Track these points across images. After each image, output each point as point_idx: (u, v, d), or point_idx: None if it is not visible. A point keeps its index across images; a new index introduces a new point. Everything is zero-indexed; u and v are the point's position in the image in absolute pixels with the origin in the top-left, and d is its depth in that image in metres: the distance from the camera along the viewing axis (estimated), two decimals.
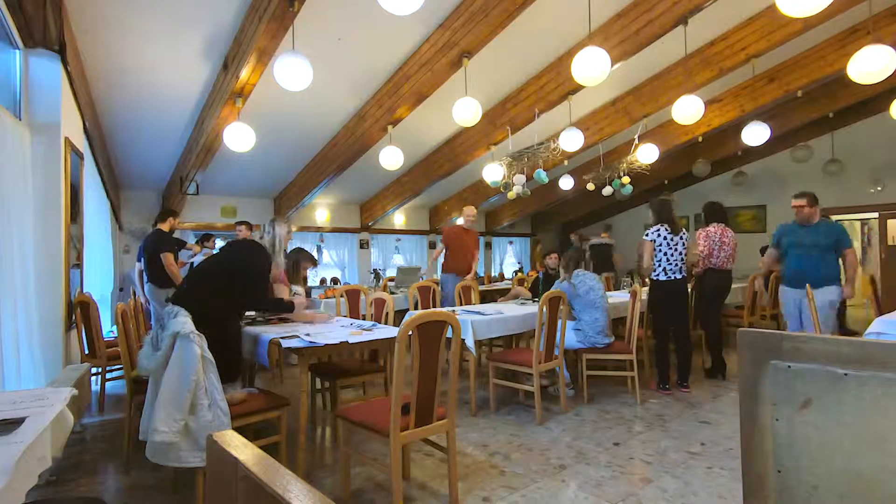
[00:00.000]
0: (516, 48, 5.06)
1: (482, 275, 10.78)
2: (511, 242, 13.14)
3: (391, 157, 5.53)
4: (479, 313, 3.86)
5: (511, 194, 6.95)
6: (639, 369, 4.06)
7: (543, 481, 2.60)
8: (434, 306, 5.16)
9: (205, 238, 6.37)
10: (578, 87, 5.31)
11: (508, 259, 13.01)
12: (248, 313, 3.43)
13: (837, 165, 8.77)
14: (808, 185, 9.23)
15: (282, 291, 3.44)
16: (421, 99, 5.23)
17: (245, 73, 4.16)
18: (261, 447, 0.75)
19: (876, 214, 8.99)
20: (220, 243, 6.40)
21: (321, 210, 9.49)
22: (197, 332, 2.32)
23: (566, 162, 7.50)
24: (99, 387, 4.08)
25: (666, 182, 10.77)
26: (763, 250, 7.60)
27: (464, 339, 3.53)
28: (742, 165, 10.01)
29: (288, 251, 3.32)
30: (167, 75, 4.70)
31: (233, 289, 2.77)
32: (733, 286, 6.60)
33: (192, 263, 5.57)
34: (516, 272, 10.49)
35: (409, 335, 2.16)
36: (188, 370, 2.22)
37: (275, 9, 3.49)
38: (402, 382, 2.16)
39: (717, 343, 4.66)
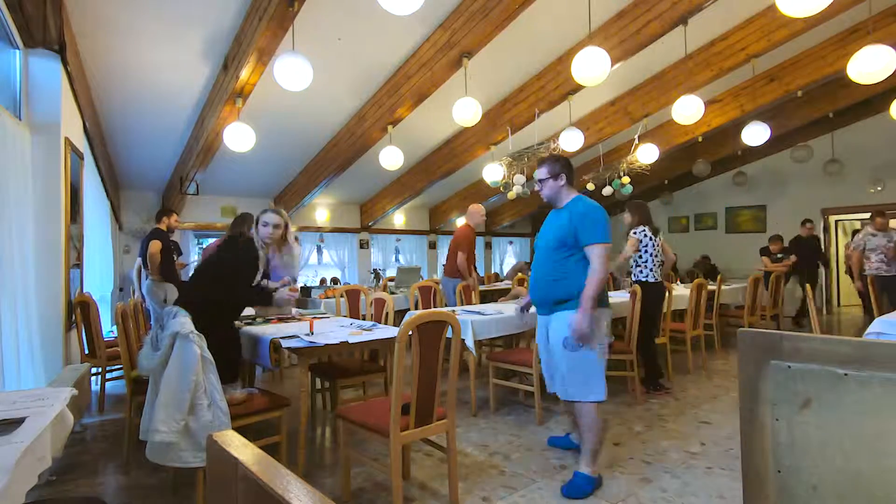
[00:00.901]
0: (516, 48, 5.06)
1: (483, 274, 10.78)
2: (511, 242, 13.14)
3: (391, 157, 5.53)
4: (479, 313, 3.86)
5: (511, 194, 6.95)
6: (639, 369, 4.06)
7: (543, 481, 2.59)
8: (435, 306, 5.16)
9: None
10: (578, 87, 5.31)
11: (508, 259, 13.01)
12: (245, 312, 3.43)
13: (837, 165, 8.77)
14: (808, 185, 9.33)
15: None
16: (421, 99, 5.23)
17: (245, 74, 4.16)
18: (261, 447, 0.75)
19: None
20: None
21: (321, 210, 9.49)
22: (196, 332, 2.32)
23: None
24: (99, 387, 4.08)
25: (666, 182, 10.77)
26: (763, 251, 7.60)
27: (464, 339, 3.53)
28: (742, 165, 10.02)
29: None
30: (167, 75, 4.70)
31: (216, 288, 2.69)
32: (734, 286, 6.64)
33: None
34: (518, 269, 10.45)
35: (409, 335, 2.16)
36: (188, 370, 2.22)
37: (275, 9, 3.49)
38: (402, 382, 2.16)
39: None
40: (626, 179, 7.46)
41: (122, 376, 3.57)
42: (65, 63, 3.29)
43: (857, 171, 8.82)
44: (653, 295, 4.23)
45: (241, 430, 1.09)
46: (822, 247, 8.06)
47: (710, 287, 5.77)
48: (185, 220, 7.95)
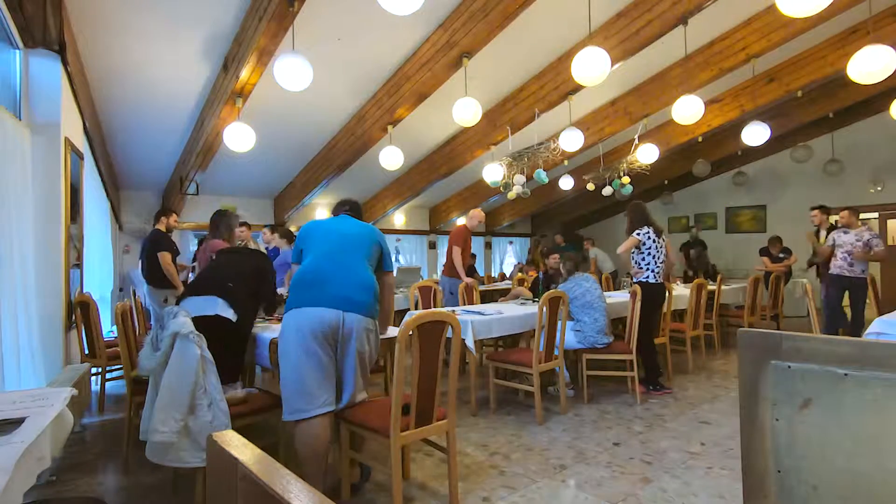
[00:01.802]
0: (516, 48, 5.06)
1: (483, 275, 10.78)
2: (511, 242, 13.14)
3: (391, 157, 5.53)
4: (479, 313, 3.86)
5: (511, 194, 6.95)
6: (639, 369, 4.06)
7: (543, 481, 2.59)
8: (434, 306, 5.16)
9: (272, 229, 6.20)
10: (578, 87, 5.31)
11: (508, 259, 13.01)
12: None
13: (837, 165, 8.77)
14: (808, 185, 9.33)
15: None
16: (421, 99, 5.23)
17: (245, 74, 4.16)
18: (261, 447, 0.74)
19: (876, 214, 8.99)
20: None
21: (321, 210, 9.48)
22: (196, 332, 2.32)
23: (566, 162, 7.50)
24: (99, 387, 4.08)
25: (666, 182, 10.77)
26: (763, 251, 7.60)
27: (464, 339, 3.53)
28: (742, 165, 10.02)
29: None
30: (167, 75, 4.70)
31: (257, 294, 3.02)
32: (734, 286, 6.64)
33: (193, 268, 5.56)
34: (520, 268, 10.45)
35: (410, 335, 2.16)
36: (188, 370, 2.22)
37: (275, 9, 3.49)
38: (403, 382, 2.16)
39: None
40: (626, 179, 7.46)
41: (122, 376, 3.57)
42: (65, 63, 3.29)
43: (857, 171, 8.82)
44: (653, 296, 4.22)
45: (241, 430, 1.09)
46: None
47: (710, 287, 5.77)
48: (185, 220, 7.94)
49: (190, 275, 5.72)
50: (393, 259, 10.07)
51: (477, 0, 4.04)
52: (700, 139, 7.78)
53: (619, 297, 5.04)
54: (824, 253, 5.56)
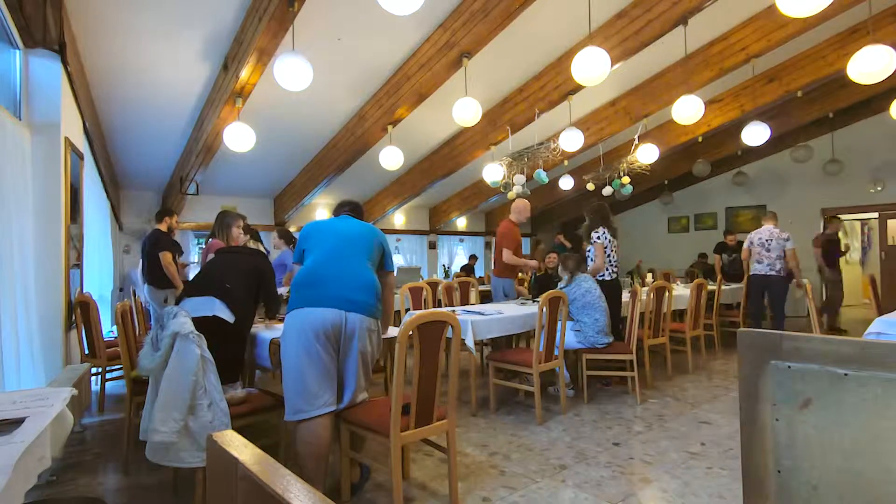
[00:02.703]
0: (516, 48, 5.06)
1: (482, 275, 10.78)
2: None
3: (391, 157, 5.53)
4: (479, 313, 3.86)
5: (511, 194, 6.95)
6: (639, 369, 4.06)
7: (543, 481, 2.60)
8: (424, 308, 5.15)
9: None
10: (578, 87, 5.31)
11: None
12: None
13: (837, 165, 8.77)
14: (808, 185, 9.34)
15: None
16: (421, 99, 5.23)
17: (245, 74, 4.16)
18: (261, 447, 0.74)
19: (876, 214, 8.99)
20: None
21: (321, 210, 9.48)
22: (196, 332, 2.32)
23: (566, 162, 7.50)
24: (99, 387, 4.08)
25: (666, 182, 10.77)
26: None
27: (464, 339, 3.53)
28: (742, 165, 10.02)
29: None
30: (167, 75, 4.70)
31: (256, 295, 3.03)
32: (734, 286, 6.64)
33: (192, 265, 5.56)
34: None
35: (410, 335, 2.16)
36: (187, 370, 2.22)
37: (275, 9, 3.49)
38: (403, 382, 2.16)
39: None
40: (626, 179, 7.46)
41: (122, 376, 3.57)
42: (65, 63, 3.29)
43: (857, 171, 8.82)
44: (609, 292, 4.32)
45: (241, 430, 1.09)
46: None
47: (710, 287, 5.77)
48: (185, 220, 7.94)
49: (184, 271, 5.73)
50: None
51: (477, 0, 4.04)
52: (700, 139, 7.78)
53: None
54: (745, 253, 5.97)
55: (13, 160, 2.68)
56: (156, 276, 5.04)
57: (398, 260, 10.90)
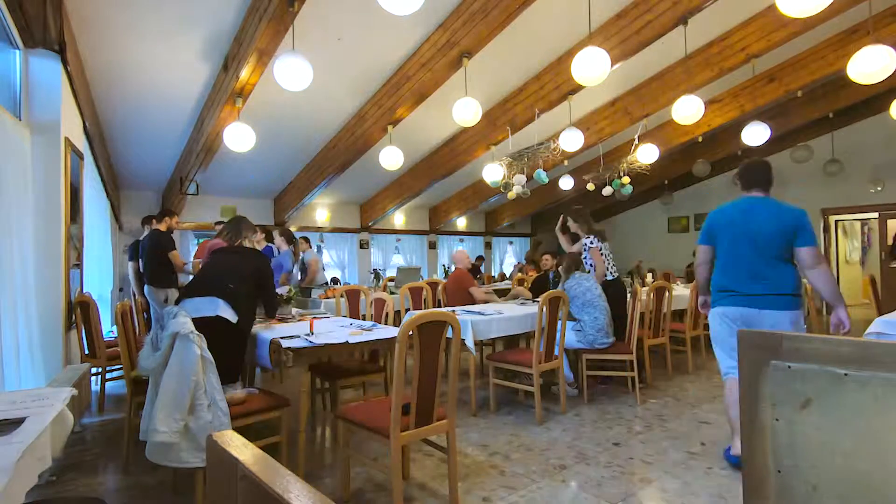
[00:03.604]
0: (516, 48, 5.06)
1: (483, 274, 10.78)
2: (511, 242, 13.14)
3: (391, 157, 5.53)
4: (479, 313, 3.86)
5: (511, 194, 6.95)
6: (639, 369, 4.06)
7: (543, 481, 2.59)
8: (424, 307, 5.15)
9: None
10: (578, 87, 5.31)
11: (508, 259, 13.02)
12: None
13: (837, 165, 8.77)
14: (808, 185, 9.34)
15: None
16: (421, 99, 5.23)
17: (245, 73, 4.16)
18: (261, 447, 0.75)
19: (876, 214, 8.99)
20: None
21: (321, 210, 9.49)
22: (196, 332, 2.32)
23: (566, 162, 7.51)
24: (99, 387, 4.08)
25: (666, 182, 10.77)
26: None
27: (464, 339, 3.53)
28: None
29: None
30: (167, 75, 4.70)
31: (255, 295, 3.03)
32: None
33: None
34: (520, 268, 10.44)
35: (410, 335, 2.16)
36: (188, 370, 2.22)
37: (275, 9, 3.49)
38: (403, 382, 2.16)
39: None
40: (626, 179, 7.46)
41: (122, 376, 3.57)
42: (65, 63, 3.29)
43: (857, 171, 8.82)
44: (614, 291, 4.30)
45: (241, 430, 1.09)
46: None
47: None
48: (185, 220, 7.94)
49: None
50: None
51: (477, 0, 4.04)
52: (700, 139, 7.78)
53: None
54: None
55: (13, 160, 2.68)
56: (156, 276, 5.03)
57: (398, 260, 10.91)
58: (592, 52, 3.64)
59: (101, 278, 5.96)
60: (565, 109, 5.90)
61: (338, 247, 10.00)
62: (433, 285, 5.70)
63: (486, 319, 3.72)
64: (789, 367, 1.01)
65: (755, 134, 5.58)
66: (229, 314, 2.71)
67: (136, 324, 4.32)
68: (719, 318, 2.79)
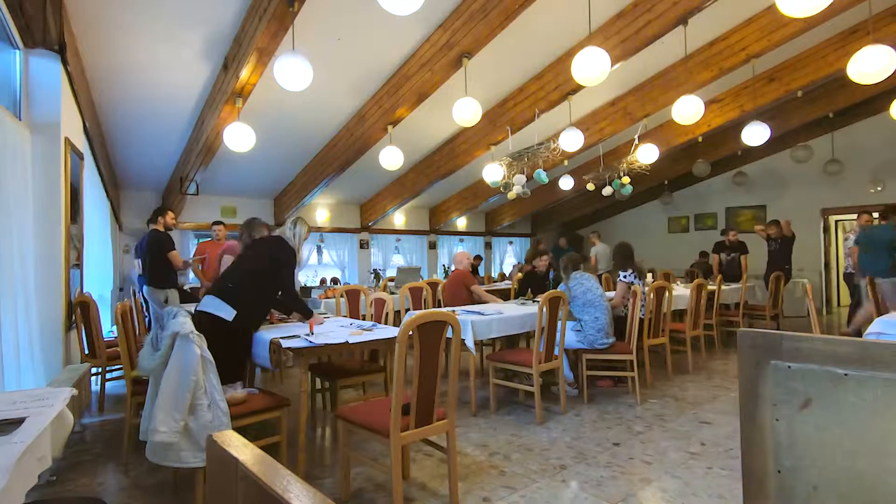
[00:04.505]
0: (516, 48, 5.06)
1: (482, 275, 10.78)
2: (511, 242, 13.14)
3: (391, 157, 5.53)
4: (479, 313, 3.86)
5: (511, 194, 6.95)
6: (639, 369, 4.06)
7: (543, 481, 2.59)
8: (424, 307, 5.15)
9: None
10: (578, 87, 5.31)
11: (508, 259, 13.01)
12: None
13: (837, 165, 8.77)
14: (808, 185, 9.34)
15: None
16: (421, 99, 5.23)
17: (245, 74, 4.16)
18: (261, 447, 0.75)
19: (876, 214, 8.98)
20: None
21: (321, 210, 9.49)
22: (197, 332, 2.32)
23: (566, 162, 7.51)
24: (99, 387, 4.08)
25: (666, 182, 10.78)
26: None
27: (464, 339, 3.53)
28: (742, 165, 10.02)
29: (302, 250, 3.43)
30: (167, 75, 4.70)
31: (269, 284, 3.01)
32: (734, 286, 6.64)
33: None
34: (519, 268, 10.43)
35: (410, 335, 2.16)
36: (187, 370, 2.22)
37: (275, 9, 3.49)
38: (403, 383, 2.16)
39: None
40: (626, 179, 7.46)
41: (122, 376, 3.57)
42: (65, 63, 3.29)
43: (857, 171, 8.82)
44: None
45: (241, 430, 1.09)
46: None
47: (710, 287, 5.77)
48: (185, 220, 7.95)
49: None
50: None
51: (477, 0, 4.04)
52: (700, 139, 7.78)
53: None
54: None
55: (13, 160, 2.68)
56: (155, 276, 5.03)
57: (398, 260, 10.91)
58: (592, 52, 3.64)
59: (101, 278, 5.96)
60: (565, 109, 5.90)
61: (338, 247, 10.00)
62: (433, 285, 5.70)
63: (486, 319, 3.72)
64: (789, 367, 1.01)
65: (755, 134, 5.58)
66: (224, 313, 2.72)
67: (137, 324, 4.32)
68: None
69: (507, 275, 10.74)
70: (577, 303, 4.00)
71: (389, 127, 5.73)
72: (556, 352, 3.72)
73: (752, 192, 10.21)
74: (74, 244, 3.69)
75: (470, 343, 3.54)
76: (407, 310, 4.90)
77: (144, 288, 5.22)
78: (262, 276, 2.99)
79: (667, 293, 4.59)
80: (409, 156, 6.48)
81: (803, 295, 8.29)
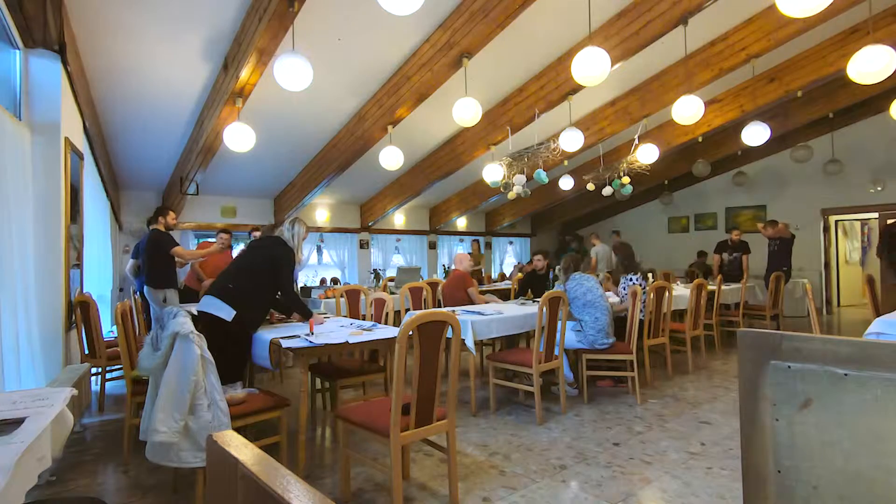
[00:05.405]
0: (516, 48, 5.06)
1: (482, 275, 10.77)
2: (511, 242, 13.13)
3: (391, 157, 5.53)
4: (479, 313, 3.86)
5: (511, 194, 6.95)
6: (639, 369, 4.06)
7: (543, 481, 2.59)
8: (424, 307, 5.15)
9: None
10: (578, 88, 5.31)
11: (508, 259, 13.01)
12: None
13: (837, 165, 8.77)
14: (808, 185, 9.34)
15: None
16: (421, 99, 5.22)
17: (245, 73, 4.16)
18: (261, 447, 0.75)
19: (876, 214, 8.99)
20: None
21: (321, 210, 9.49)
22: (197, 332, 2.32)
23: (566, 162, 7.50)
24: (99, 387, 4.08)
25: (666, 182, 10.77)
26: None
27: (464, 339, 3.53)
28: (742, 165, 10.02)
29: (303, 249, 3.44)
30: (167, 75, 4.70)
31: (268, 284, 3.04)
32: (734, 286, 6.65)
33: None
34: (519, 268, 10.43)
35: (410, 335, 2.16)
36: (187, 370, 2.22)
37: (275, 9, 3.49)
38: (403, 383, 2.16)
39: None
40: (626, 179, 7.46)
41: (122, 376, 3.57)
42: (65, 63, 3.29)
43: (857, 171, 8.82)
44: None
45: (241, 430, 1.09)
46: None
47: (709, 287, 5.77)
48: (185, 220, 7.95)
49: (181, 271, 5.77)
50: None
51: (477, 0, 4.04)
52: (700, 139, 7.78)
53: (614, 298, 5.04)
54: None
55: (13, 160, 2.68)
56: (155, 276, 5.02)
57: (398, 260, 10.91)
58: (592, 52, 3.63)
59: (101, 278, 5.96)
60: (565, 109, 5.90)
61: (338, 247, 10.00)
62: (433, 285, 5.70)
63: (486, 319, 3.72)
64: (789, 367, 1.01)
65: (755, 134, 5.57)
66: (224, 313, 2.72)
67: (137, 324, 4.32)
68: None
69: (508, 275, 10.74)
70: (577, 303, 4.00)
71: (389, 127, 5.72)
72: (557, 352, 3.72)
73: (752, 193, 10.21)
74: (74, 244, 3.69)
75: (470, 343, 3.54)
76: (407, 310, 4.90)
77: (144, 288, 5.22)
78: (262, 277, 2.99)
79: (667, 293, 4.59)
80: (409, 156, 6.47)
81: (803, 295, 8.30)
